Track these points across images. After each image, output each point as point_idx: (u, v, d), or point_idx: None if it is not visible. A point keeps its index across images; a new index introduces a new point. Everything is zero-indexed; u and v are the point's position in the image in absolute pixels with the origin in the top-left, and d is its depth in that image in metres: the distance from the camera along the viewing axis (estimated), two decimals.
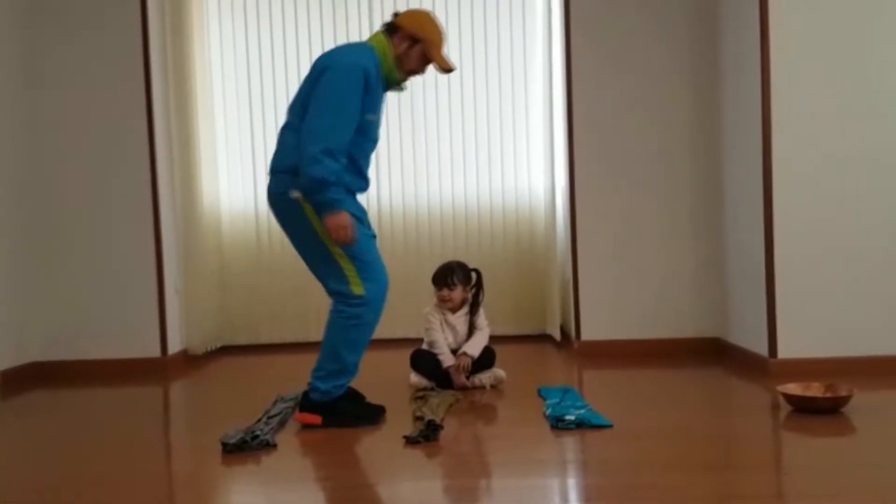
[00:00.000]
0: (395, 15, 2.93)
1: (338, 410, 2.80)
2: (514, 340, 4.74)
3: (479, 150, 4.84)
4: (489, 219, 4.85)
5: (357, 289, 2.76)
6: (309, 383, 2.83)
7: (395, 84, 2.91)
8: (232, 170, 4.84)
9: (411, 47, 2.85)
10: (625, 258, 4.17)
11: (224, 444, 2.49)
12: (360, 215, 2.88)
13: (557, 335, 4.57)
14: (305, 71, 4.70)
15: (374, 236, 2.96)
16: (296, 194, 2.75)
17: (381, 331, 4.71)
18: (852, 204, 3.37)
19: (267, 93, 4.84)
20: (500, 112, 4.84)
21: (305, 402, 2.82)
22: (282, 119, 4.75)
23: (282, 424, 2.80)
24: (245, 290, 4.81)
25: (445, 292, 3.53)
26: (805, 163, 3.36)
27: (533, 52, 4.78)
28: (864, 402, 2.79)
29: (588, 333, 4.21)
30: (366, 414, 2.86)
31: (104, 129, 4.10)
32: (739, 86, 3.66)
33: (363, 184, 2.92)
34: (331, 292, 2.83)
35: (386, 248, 4.81)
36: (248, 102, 4.85)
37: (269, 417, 2.78)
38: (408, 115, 4.83)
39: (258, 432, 2.55)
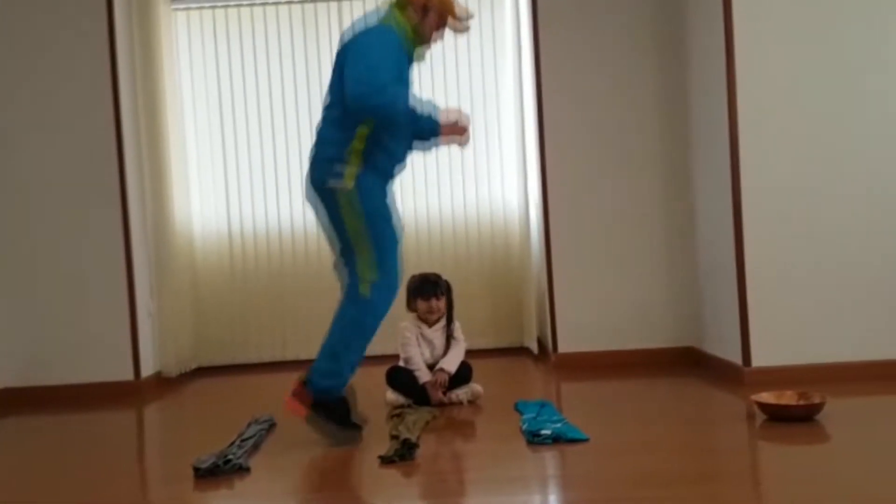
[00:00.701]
0: None
1: (327, 408, 2.76)
2: (491, 354, 4.74)
3: (453, 163, 4.84)
4: (464, 232, 4.85)
5: (364, 289, 2.76)
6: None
7: (418, 58, 2.90)
8: (204, 189, 4.81)
9: (425, 16, 2.83)
10: (599, 270, 4.18)
11: (196, 469, 2.45)
12: (388, 212, 2.84)
13: (535, 348, 4.56)
14: (277, 88, 4.81)
15: (398, 241, 2.89)
16: (333, 183, 2.74)
17: None
18: (821, 214, 3.40)
19: (238, 111, 4.82)
20: (472, 124, 4.83)
21: (300, 391, 2.78)
22: (254, 138, 4.82)
23: (256, 447, 2.76)
24: (219, 310, 4.77)
25: (434, 303, 3.50)
26: (773, 175, 3.39)
27: (504, 66, 4.80)
28: (836, 409, 2.80)
29: (565, 346, 4.21)
30: (348, 424, 2.79)
31: (72, 150, 4.06)
32: (707, 101, 3.70)
33: (394, 164, 2.88)
34: (345, 290, 2.84)
35: None
36: (220, 121, 4.82)
37: (243, 440, 2.74)
38: None
39: (231, 456, 2.51)
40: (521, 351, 4.77)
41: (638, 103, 4.16)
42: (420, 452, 2.60)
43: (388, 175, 2.87)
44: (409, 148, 2.93)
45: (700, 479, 2.25)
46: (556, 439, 2.64)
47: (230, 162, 4.82)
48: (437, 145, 3.02)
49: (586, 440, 2.64)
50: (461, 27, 2.89)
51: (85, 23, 4.04)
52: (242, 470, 2.48)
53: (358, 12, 4.76)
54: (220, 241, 4.80)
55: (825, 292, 3.39)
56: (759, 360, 3.37)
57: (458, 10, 2.86)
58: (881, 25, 3.39)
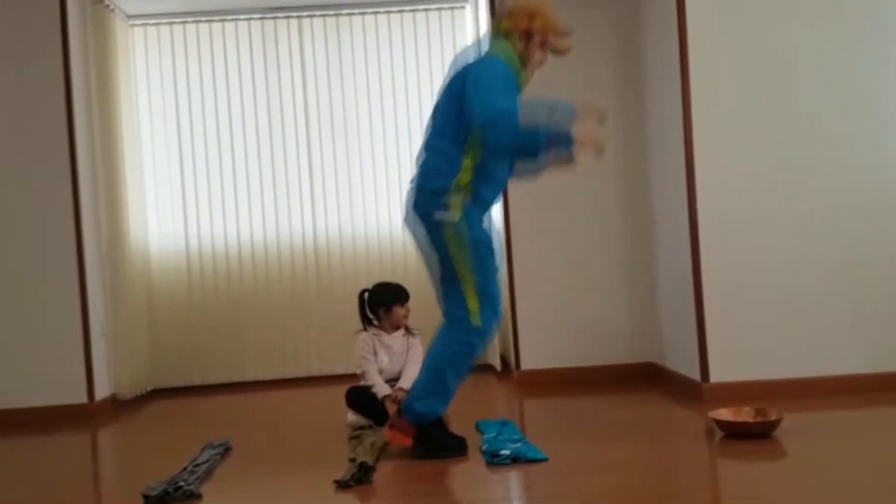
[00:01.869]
0: (497, 18, 2.86)
1: (429, 437, 2.77)
2: None
3: None
4: None
5: (475, 319, 2.73)
6: (402, 401, 2.84)
7: (523, 85, 2.85)
8: (161, 207, 4.73)
9: (529, 41, 2.80)
10: (561, 287, 4.19)
11: (146, 497, 2.38)
12: (489, 240, 2.81)
13: (498, 365, 4.55)
14: (236, 106, 4.75)
15: (498, 267, 2.88)
16: (440, 216, 2.70)
17: (316, 367, 4.70)
18: (776, 233, 3.44)
19: (197, 127, 4.76)
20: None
21: (398, 422, 2.77)
22: (212, 155, 4.75)
23: (208, 473, 2.68)
24: (176, 330, 4.68)
25: (407, 308, 3.49)
26: (729, 195, 3.43)
27: None
28: (793, 425, 2.82)
29: (527, 363, 4.21)
30: (453, 445, 2.80)
31: (24, 167, 3.96)
32: (664, 123, 3.74)
33: (497, 192, 2.86)
34: (447, 316, 2.79)
35: (323, 281, 4.76)
36: (178, 137, 4.76)
37: (195, 466, 2.68)
38: (343, 145, 4.80)
39: (182, 483, 2.44)
40: (485, 368, 4.74)
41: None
42: (377, 476, 2.55)
43: (490, 203, 2.86)
44: (511, 173, 2.90)
45: (658, 498, 2.24)
46: (516, 459, 2.62)
47: (188, 180, 4.75)
48: (546, 165, 2.87)
49: (545, 460, 2.62)
50: (563, 46, 2.85)
51: (38, 38, 3.95)
52: (193, 497, 2.42)
53: (318, 28, 4.76)
54: (178, 260, 4.72)
55: (781, 309, 3.42)
56: (717, 375, 3.39)
57: (559, 27, 2.82)
58: (836, 54, 3.46)
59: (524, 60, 2.80)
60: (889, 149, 3.46)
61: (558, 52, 2.86)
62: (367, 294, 3.54)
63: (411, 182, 2.86)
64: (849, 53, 3.44)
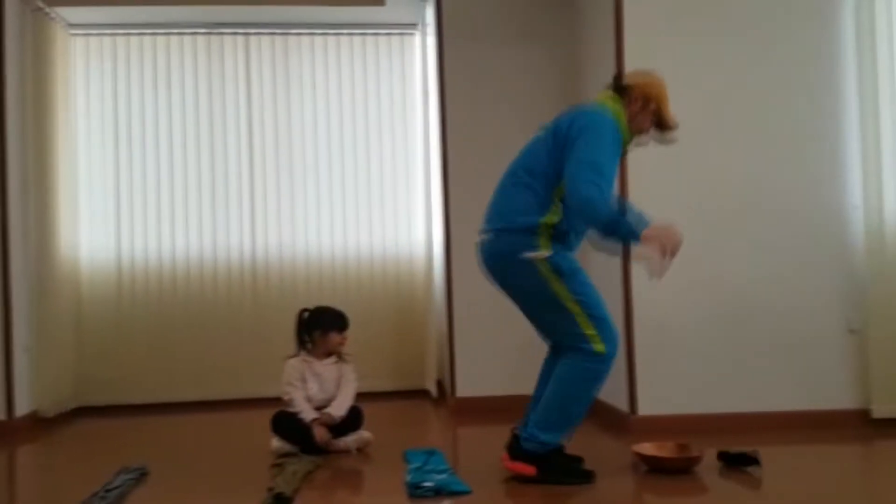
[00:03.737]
0: (621, 75, 2.83)
1: (552, 464, 2.72)
2: (392, 396, 4.68)
3: (360, 202, 4.81)
4: (369, 272, 4.80)
5: (598, 346, 2.67)
6: (519, 430, 2.74)
7: (625, 153, 2.81)
8: (94, 219, 4.62)
9: (644, 108, 2.76)
10: (498, 314, 4.17)
11: None
12: (581, 268, 2.76)
13: (434, 391, 4.52)
14: (177, 121, 4.68)
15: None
16: (530, 255, 2.66)
17: (249, 389, 4.59)
18: (706, 269, 3.50)
19: (135, 140, 4.68)
20: (380, 164, 4.83)
21: (518, 451, 2.71)
22: (150, 170, 4.66)
23: (120, 498, 2.60)
24: (104, 347, 4.55)
25: (344, 336, 3.44)
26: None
27: (413, 108, 4.82)
28: (714, 461, 2.85)
29: (463, 390, 4.19)
30: (577, 472, 2.75)
31: None
32: None
33: (578, 240, 2.82)
34: (565, 347, 2.74)
35: (260, 301, 4.69)
36: (115, 149, 4.66)
37: (107, 491, 2.59)
38: (286, 164, 4.76)
39: None
40: (422, 394, 4.72)
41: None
42: None
43: (575, 246, 2.81)
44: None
45: None
46: (438, 492, 2.59)
47: (124, 193, 4.65)
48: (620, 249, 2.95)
49: (469, 493, 2.59)
50: (670, 133, 2.82)
51: None
52: None
53: (266, 46, 4.73)
54: (109, 275, 4.60)
55: (708, 344, 3.48)
56: (644, 408, 3.42)
57: (671, 121, 2.79)
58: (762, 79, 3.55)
59: (632, 125, 2.77)
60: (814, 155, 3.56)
61: (664, 135, 2.83)
62: (306, 314, 3.48)
63: (488, 227, 2.81)
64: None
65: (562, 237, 2.72)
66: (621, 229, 2.64)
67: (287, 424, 3.28)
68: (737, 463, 2.84)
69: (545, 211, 2.69)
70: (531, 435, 2.72)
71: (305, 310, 3.49)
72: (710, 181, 3.52)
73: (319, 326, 3.44)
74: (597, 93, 3.00)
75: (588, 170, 2.58)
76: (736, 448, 2.89)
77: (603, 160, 2.61)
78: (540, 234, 2.69)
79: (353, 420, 3.36)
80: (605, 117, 2.71)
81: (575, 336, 2.70)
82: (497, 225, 2.78)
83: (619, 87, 2.81)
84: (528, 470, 2.71)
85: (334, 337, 3.43)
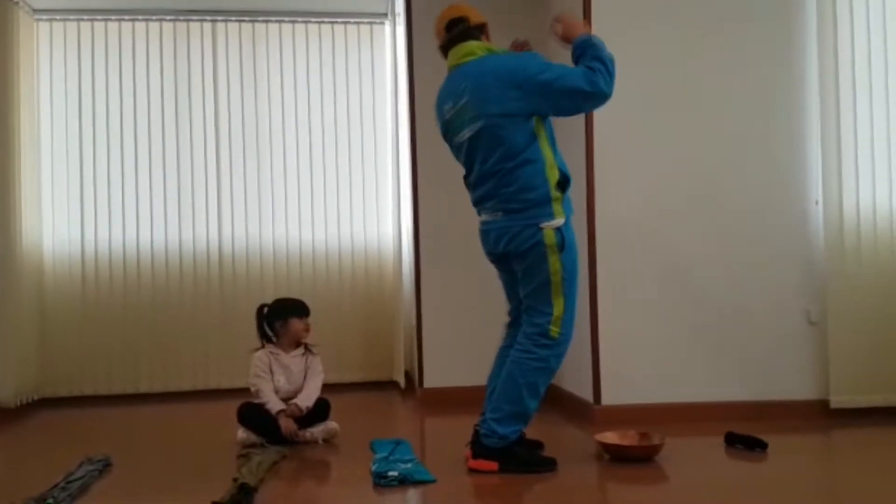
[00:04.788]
0: (460, 20, 2.84)
1: (514, 456, 2.72)
2: (361, 387, 4.68)
3: (328, 193, 4.79)
4: (338, 264, 4.79)
5: (555, 329, 2.70)
6: (480, 427, 2.74)
7: None
8: (58, 209, 4.55)
9: (487, 35, 2.88)
10: (466, 306, 4.21)
11: None
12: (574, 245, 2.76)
13: (402, 382, 4.53)
14: (143, 108, 4.61)
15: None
16: (546, 223, 2.66)
17: (215, 381, 4.58)
18: (670, 262, 3.55)
19: (100, 128, 4.61)
20: (349, 155, 4.82)
21: (479, 448, 2.70)
22: (115, 158, 4.58)
23: (83, 490, 2.57)
24: (68, 338, 4.50)
25: (306, 323, 3.43)
26: (626, 222, 3.52)
27: (382, 101, 4.81)
28: (676, 449, 2.90)
29: (431, 380, 4.20)
30: (539, 461, 2.76)
31: None
32: (570, 134, 3.80)
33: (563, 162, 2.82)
34: (529, 325, 2.74)
35: (227, 291, 4.66)
36: (79, 138, 4.59)
37: (69, 482, 2.56)
38: (253, 154, 4.72)
39: (50, 500, 2.33)
40: (391, 385, 4.73)
41: None
42: (259, 497, 2.50)
43: (570, 180, 2.81)
44: None
45: None
46: (403, 481, 2.60)
47: (87, 182, 4.59)
48: None
49: (433, 482, 2.61)
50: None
51: None
52: None
53: (233, 34, 4.68)
54: (73, 264, 4.54)
55: (671, 336, 3.52)
56: (608, 398, 3.46)
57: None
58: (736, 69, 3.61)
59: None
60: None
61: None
62: (265, 308, 3.47)
63: (491, 219, 2.78)
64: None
65: (564, 186, 2.74)
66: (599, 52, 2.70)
67: (253, 415, 3.27)
68: (744, 444, 2.98)
69: (545, 173, 2.70)
70: (490, 431, 2.75)
71: (264, 305, 3.49)
72: (672, 175, 3.56)
73: (280, 316, 3.44)
74: None
75: (564, 72, 2.64)
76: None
77: (555, 69, 2.67)
78: (552, 198, 2.70)
79: (320, 411, 3.36)
80: (509, 56, 2.79)
81: (540, 310, 2.73)
82: (510, 206, 2.73)
83: (472, 31, 2.84)
84: (491, 466, 2.73)
85: (296, 323, 3.42)
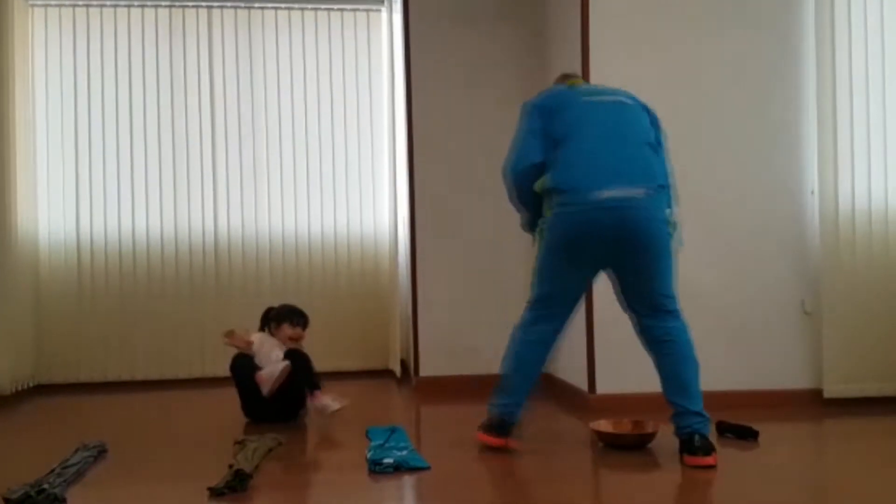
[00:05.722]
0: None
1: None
2: (358, 375, 4.70)
3: (325, 181, 4.79)
4: (334, 252, 4.79)
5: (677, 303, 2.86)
6: (691, 427, 2.71)
7: None
8: (53, 195, 4.54)
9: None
10: (462, 294, 4.22)
11: (6, 500, 2.26)
12: None
13: (398, 371, 4.55)
14: (138, 95, 4.60)
15: None
16: (669, 214, 2.73)
17: (210, 369, 4.58)
18: None
19: (95, 115, 4.60)
20: (345, 143, 4.81)
21: (708, 444, 2.67)
22: (110, 145, 4.56)
23: (78, 476, 2.58)
24: (64, 325, 4.50)
25: (299, 331, 3.58)
26: None
27: (379, 88, 4.80)
28: (669, 438, 2.91)
29: (426, 369, 4.22)
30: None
31: None
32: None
33: None
34: (675, 317, 2.85)
35: (223, 278, 4.66)
36: (75, 125, 4.58)
37: (64, 468, 2.56)
38: (249, 142, 4.72)
39: (46, 486, 2.33)
40: (387, 373, 4.74)
41: (506, 127, 4.21)
42: (254, 483, 2.51)
43: None
44: None
45: None
46: (398, 468, 2.62)
47: (83, 169, 4.57)
48: None
49: (428, 468, 2.62)
50: None
51: None
52: (57, 501, 2.30)
53: (229, 20, 4.67)
54: (69, 251, 4.53)
55: None
56: (603, 387, 3.47)
57: None
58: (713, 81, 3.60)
59: None
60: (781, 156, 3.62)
61: None
62: (272, 311, 3.67)
63: (642, 184, 2.68)
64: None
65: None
66: None
67: (245, 368, 3.42)
68: (734, 433, 3.00)
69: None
70: (705, 423, 2.73)
71: (271, 308, 3.67)
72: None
73: (274, 319, 3.61)
74: (561, 71, 3.03)
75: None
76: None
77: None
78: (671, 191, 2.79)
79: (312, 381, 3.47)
80: None
81: (670, 288, 2.84)
82: (644, 182, 2.68)
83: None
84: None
85: (285, 329, 3.57)
